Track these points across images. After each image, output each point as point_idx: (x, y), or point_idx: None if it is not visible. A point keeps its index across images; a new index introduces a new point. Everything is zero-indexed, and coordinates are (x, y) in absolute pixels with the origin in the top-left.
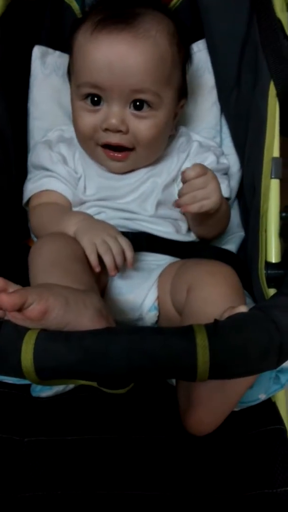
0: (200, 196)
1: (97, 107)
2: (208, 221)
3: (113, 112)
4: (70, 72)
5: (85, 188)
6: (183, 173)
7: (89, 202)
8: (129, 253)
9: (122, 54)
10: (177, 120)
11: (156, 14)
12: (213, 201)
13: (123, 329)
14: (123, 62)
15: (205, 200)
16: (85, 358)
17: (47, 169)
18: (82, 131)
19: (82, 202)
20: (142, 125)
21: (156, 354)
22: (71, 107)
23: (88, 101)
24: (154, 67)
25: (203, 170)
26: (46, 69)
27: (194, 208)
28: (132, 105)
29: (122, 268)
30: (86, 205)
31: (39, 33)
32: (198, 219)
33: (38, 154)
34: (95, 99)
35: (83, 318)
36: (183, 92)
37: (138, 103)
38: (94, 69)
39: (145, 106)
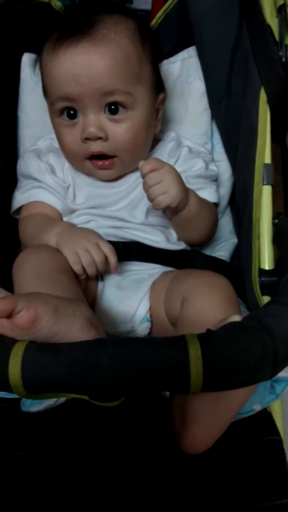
0: (156, 192)
1: (74, 120)
2: (178, 218)
3: (90, 120)
4: (44, 93)
5: (74, 196)
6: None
7: (79, 211)
8: (112, 259)
9: (84, 62)
10: (161, 117)
11: (112, 16)
12: (170, 195)
13: (113, 340)
14: (86, 69)
15: (162, 195)
16: (74, 370)
17: (35, 179)
18: (68, 149)
19: (72, 211)
20: (120, 129)
21: (147, 366)
22: (53, 128)
23: (65, 115)
24: (119, 68)
25: (158, 164)
26: (36, 76)
27: (153, 205)
28: (107, 109)
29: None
30: (76, 213)
31: (29, 40)
32: (168, 216)
33: (26, 163)
34: (71, 112)
35: (73, 327)
36: (159, 87)
37: (113, 107)
38: (60, 82)
39: (120, 108)
